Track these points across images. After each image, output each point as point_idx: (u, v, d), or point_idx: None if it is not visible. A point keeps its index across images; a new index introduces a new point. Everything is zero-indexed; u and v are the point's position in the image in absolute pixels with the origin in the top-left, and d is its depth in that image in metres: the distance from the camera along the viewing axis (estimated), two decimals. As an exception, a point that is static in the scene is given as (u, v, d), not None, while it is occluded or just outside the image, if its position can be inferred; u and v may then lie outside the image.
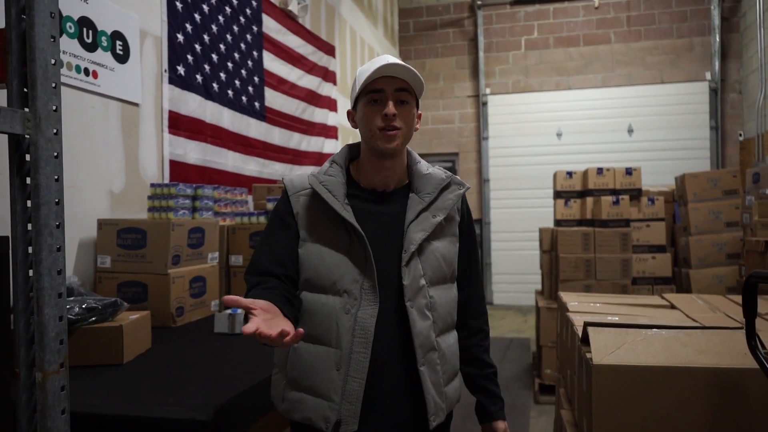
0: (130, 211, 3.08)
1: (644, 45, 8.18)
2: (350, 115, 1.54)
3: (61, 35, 2.62)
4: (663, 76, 8.09)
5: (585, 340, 1.72)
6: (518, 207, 8.59)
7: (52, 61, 1.33)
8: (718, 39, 7.84)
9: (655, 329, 1.64)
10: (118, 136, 3.05)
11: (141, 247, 2.66)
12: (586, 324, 1.69)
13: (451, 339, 1.51)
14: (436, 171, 1.53)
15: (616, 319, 1.99)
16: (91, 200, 2.85)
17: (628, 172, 4.73)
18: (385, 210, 1.47)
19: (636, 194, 4.70)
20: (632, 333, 1.61)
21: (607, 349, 1.56)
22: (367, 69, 1.43)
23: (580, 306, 2.25)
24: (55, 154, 1.33)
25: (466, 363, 1.59)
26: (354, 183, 1.50)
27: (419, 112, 1.51)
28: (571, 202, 4.94)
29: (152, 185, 2.90)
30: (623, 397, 1.50)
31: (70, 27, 2.72)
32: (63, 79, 2.64)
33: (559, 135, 8.42)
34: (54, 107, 1.33)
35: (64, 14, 2.68)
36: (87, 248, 2.78)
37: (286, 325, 1.07)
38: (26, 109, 1.30)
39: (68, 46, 2.69)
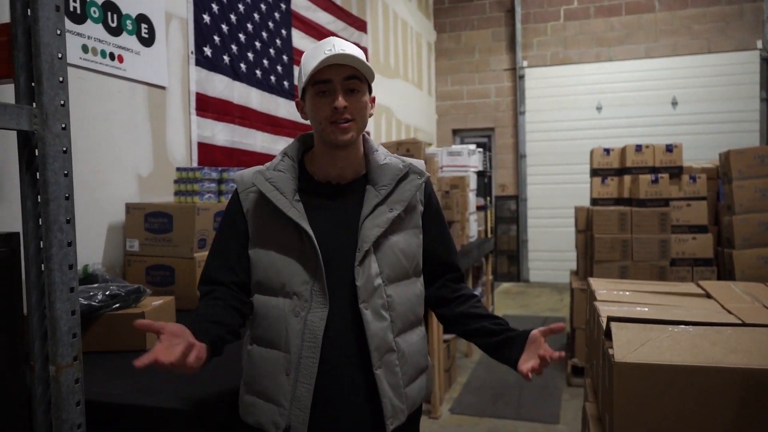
0: (158, 194, 3.11)
1: (691, 12, 7.81)
2: (299, 105, 1.45)
3: (84, 20, 2.64)
4: (710, 45, 7.73)
5: (609, 334, 1.66)
6: (556, 183, 8.42)
7: (59, 56, 1.32)
8: (771, 5, 7.43)
9: (682, 326, 1.56)
10: (146, 120, 3.07)
11: (167, 231, 2.69)
12: (609, 318, 1.62)
13: (414, 337, 1.45)
14: (393, 160, 1.44)
15: (645, 310, 1.91)
16: (119, 184, 2.88)
17: (669, 149, 4.54)
18: (341, 204, 1.41)
19: (676, 172, 4.52)
20: (657, 329, 1.54)
21: (630, 346, 1.49)
22: (311, 57, 1.34)
23: (608, 294, 2.17)
24: (64, 149, 1.33)
25: (469, 321, 1.49)
26: (308, 176, 1.44)
27: (372, 95, 1.43)
28: (608, 180, 4.79)
29: (178, 169, 2.91)
30: (646, 396, 1.44)
31: (95, 12, 2.72)
32: (88, 65, 2.65)
33: (599, 108, 8.17)
34: (61, 102, 1.33)
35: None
36: (116, 232, 2.82)
37: (187, 347, 1.08)
38: (33, 105, 1.30)
39: (93, 31, 2.70)
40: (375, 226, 1.36)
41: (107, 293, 2.00)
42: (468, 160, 5.72)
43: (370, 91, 1.42)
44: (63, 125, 1.33)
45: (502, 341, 1.43)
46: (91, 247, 2.70)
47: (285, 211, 1.34)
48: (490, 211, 7.07)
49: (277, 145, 4.38)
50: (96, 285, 2.06)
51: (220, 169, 3.01)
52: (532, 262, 8.75)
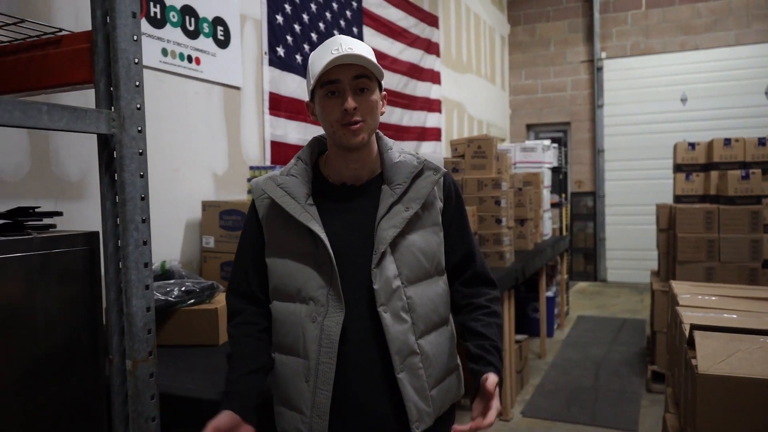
0: (232, 192, 3.20)
1: (788, -5, 7.27)
2: (309, 107, 1.42)
3: (164, 25, 2.74)
4: (810, 29, 7.17)
5: (692, 342, 1.56)
6: (635, 179, 8.06)
7: (135, 61, 1.36)
8: None
9: (776, 336, 1.45)
10: (221, 120, 3.16)
11: (240, 229, 2.75)
12: (693, 326, 1.52)
13: (438, 338, 1.41)
14: (408, 157, 1.40)
15: (733, 317, 1.79)
16: (195, 183, 2.98)
17: (761, 142, 4.24)
18: (357, 206, 1.38)
19: (770, 167, 4.21)
20: (747, 339, 1.43)
21: (715, 357, 1.39)
22: (318, 57, 1.31)
23: (692, 299, 2.04)
24: (140, 151, 1.38)
25: (465, 337, 1.45)
26: (323, 178, 1.41)
27: (383, 92, 1.39)
28: (693, 176, 4.53)
29: (251, 168, 2.99)
30: (732, 411, 1.34)
31: (174, 16, 2.82)
32: (167, 67, 2.75)
33: (683, 100, 7.75)
34: (137, 106, 1.37)
35: (167, 4, 2.78)
36: (193, 229, 2.92)
37: None
38: (111, 109, 1.35)
39: (172, 34, 2.80)
40: (391, 227, 1.33)
41: (182, 289, 2.07)
42: (542, 156, 5.57)
43: (381, 89, 1.39)
44: (139, 128, 1.37)
45: (471, 370, 1.39)
46: (170, 243, 2.81)
47: (296, 216, 1.33)
48: (565, 208, 6.86)
49: (347, 142, 4.41)
50: (172, 281, 2.13)
51: (291, 167, 3.06)
52: (609, 260, 8.42)
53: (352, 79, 1.30)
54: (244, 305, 1.45)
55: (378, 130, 1.43)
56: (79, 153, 2.28)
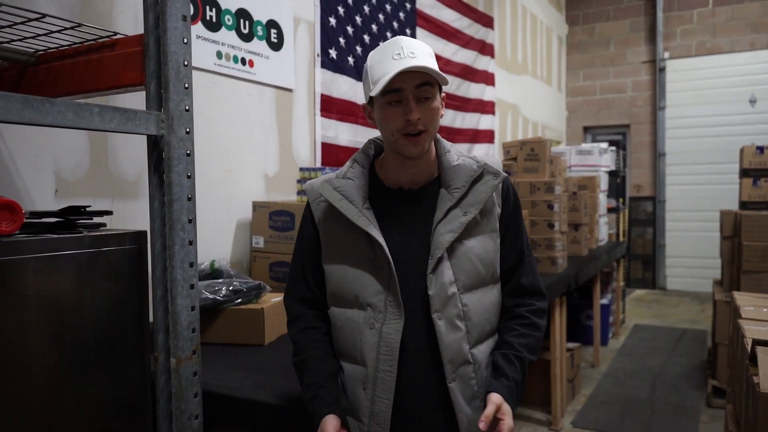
0: (283, 193, 3.23)
1: None
2: (365, 110, 1.38)
3: (219, 28, 2.80)
4: None
5: (754, 359, 1.47)
6: (698, 184, 7.73)
7: (185, 63, 1.38)
8: None
9: None
10: (273, 122, 3.20)
11: (290, 230, 2.78)
12: (755, 342, 1.43)
13: (491, 347, 1.38)
14: (467, 161, 1.36)
15: (801, 333, 1.68)
16: (247, 183, 3.03)
17: (837, 147, 3.99)
18: (414, 211, 1.35)
19: None
20: (816, 359, 1.33)
21: (780, 376, 1.31)
22: (379, 61, 1.26)
23: (756, 312, 1.93)
24: (187, 152, 1.40)
25: (496, 344, 1.40)
26: (379, 182, 1.38)
27: (443, 94, 1.34)
28: (761, 181, 4.30)
29: (301, 169, 3.01)
30: (799, 436, 1.25)
31: (228, 19, 2.87)
32: (221, 70, 2.81)
33: (752, 102, 7.38)
34: (186, 107, 1.39)
35: (223, 8, 2.83)
36: (244, 229, 2.97)
37: None
38: (161, 111, 1.38)
39: (226, 37, 2.85)
40: (448, 231, 1.30)
41: (230, 288, 2.10)
42: (599, 159, 5.41)
43: (440, 91, 1.34)
44: (187, 129, 1.39)
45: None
46: (221, 243, 2.86)
47: (354, 221, 1.31)
48: (623, 213, 6.65)
49: (398, 144, 4.39)
50: (221, 280, 2.17)
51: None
52: (669, 268, 8.11)
53: (414, 88, 1.26)
54: (304, 309, 1.44)
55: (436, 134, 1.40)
56: (136, 153, 2.35)
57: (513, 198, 1.42)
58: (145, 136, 1.38)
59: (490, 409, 1.20)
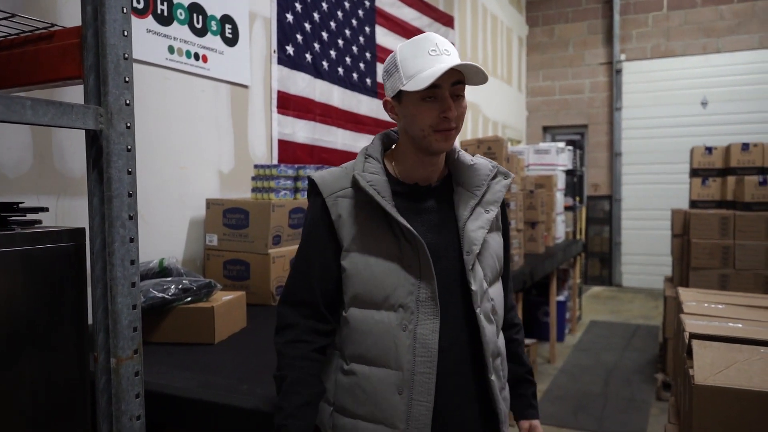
0: (238, 190, 3.19)
1: (814, -3, 7.10)
2: (387, 104, 1.34)
3: (171, 22, 2.74)
4: (836, 32, 7.00)
5: (690, 352, 1.51)
6: (654, 183, 7.93)
7: (125, 56, 1.35)
8: None
9: (777, 348, 1.39)
10: (228, 118, 3.16)
11: (244, 227, 2.75)
12: (692, 335, 1.47)
13: (504, 339, 1.45)
14: (481, 161, 1.40)
15: (738, 326, 1.73)
16: (201, 180, 2.98)
17: (780, 148, 4.14)
18: (431, 207, 1.34)
19: (789, 173, 4.12)
20: (746, 350, 1.38)
21: (712, 368, 1.35)
22: (413, 56, 1.24)
23: (698, 307, 1.99)
24: (128, 147, 1.36)
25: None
26: (393, 178, 1.35)
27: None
28: (710, 181, 4.44)
29: (256, 166, 2.97)
30: (729, 424, 1.29)
31: (181, 14, 2.82)
32: (174, 65, 2.76)
33: (704, 104, 7.62)
34: (126, 101, 1.36)
35: (175, 1, 2.78)
36: (197, 226, 2.92)
37: None
38: (100, 105, 1.34)
39: (179, 32, 2.80)
40: (479, 228, 1.32)
41: (179, 287, 2.06)
42: (556, 158, 5.51)
43: None
44: (127, 124, 1.36)
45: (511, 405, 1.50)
46: (175, 240, 2.81)
47: (394, 216, 1.25)
48: (580, 211, 6.78)
49: (358, 142, 4.39)
50: (170, 278, 2.13)
51: (296, 166, 3.05)
52: (625, 265, 8.30)
53: (451, 85, 1.25)
54: (298, 319, 1.32)
55: None
56: (82, 149, 2.28)
57: (503, 200, 1.46)
58: (85, 132, 1.35)
59: None
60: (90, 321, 1.40)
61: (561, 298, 5.43)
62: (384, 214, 1.27)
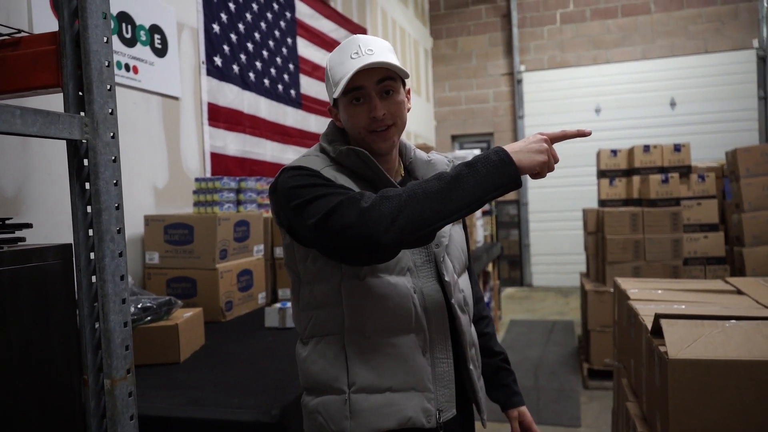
0: (174, 205, 3.08)
1: (687, 13, 7.89)
2: (332, 112, 1.38)
3: (102, 32, 2.62)
4: (707, 45, 7.80)
5: (655, 332, 1.65)
6: (557, 186, 8.43)
7: (106, 63, 1.30)
8: (766, 4, 7.50)
9: (733, 320, 1.55)
10: (160, 131, 3.05)
11: (188, 243, 2.66)
12: (658, 316, 1.61)
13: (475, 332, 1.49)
14: (438, 156, 1.45)
15: (683, 308, 1.90)
16: (136, 196, 2.85)
17: (677, 148, 4.57)
18: None
19: (685, 172, 4.54)
20: (708, 325, 1.53)
21: (682, 343, 1.48)
22: (339, 62, 1.27)
23: (642, 293, 2.16)
24: (113, 158, 1.31)
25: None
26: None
27: (407, 87, 1.37)
28: (617, 181, 4.81)
29: (197, 180, 2.89)
30: (702, 393, 1.42)
31: (110, 23, 2.70)
32: (106, 76, 2.63)
33: (597, 111, 8.22)
34: (110, 110, 1.30)
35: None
36: (134, 245, 2.79)
37: None
38: (82, 114, 1.28)
39: (109, 42, 2.67)
40: None
41: (139, 306, 1.97)
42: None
43: (404, 85, 1.35)
44: (112, 134, 1.31)
45: (494, 396, 1.61)
46: (112, 260, 2.67)
47: (385, 174, 1.30)
48: (492, 216, 7.07)
49: (285, 154, 4.36)
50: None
51: (238, 178, 3.00)
52: (534, 266, 8.75)
53: (376, 84, 1.26)
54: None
55: None
56: (15, 165, 2.13)
57: None
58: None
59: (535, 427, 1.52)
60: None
61: (485, 299, 5.63)
62: (370, 180, 1.29)
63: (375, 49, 1.27)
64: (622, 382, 2.20)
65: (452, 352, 1.33)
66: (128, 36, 2.82)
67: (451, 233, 1.39)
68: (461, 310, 1.35)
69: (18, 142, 2.11)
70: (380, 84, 1.26)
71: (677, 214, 4.15)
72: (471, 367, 1.36)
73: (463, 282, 1.41)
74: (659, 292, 2.20)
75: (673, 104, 7.91)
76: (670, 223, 4.11)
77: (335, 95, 1.26)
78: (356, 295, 1.24)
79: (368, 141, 1.29)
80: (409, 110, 1.37)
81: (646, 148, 4.61)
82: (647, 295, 2.13)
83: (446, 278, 1.31)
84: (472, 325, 1.45)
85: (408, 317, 1.25)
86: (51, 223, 2.24)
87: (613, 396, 2.56)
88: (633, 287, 2.29)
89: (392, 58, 1.28)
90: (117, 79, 2.69)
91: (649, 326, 1.69)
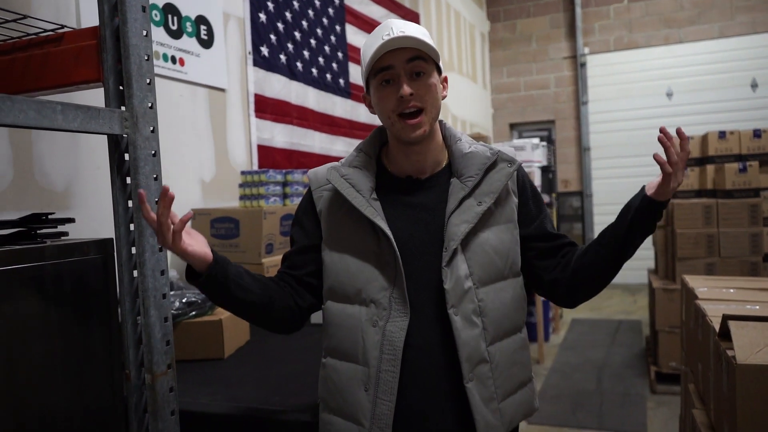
0: (221, 199, 3.09)
1: (770, -14, 7.31)
2: (365, 100, 1.34)
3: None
4: (793, 20, 7.21)
5: (724, 334, 1.52)
6: (624, 177, 7.99)
7: (146, 57, 1.29)
8: None
9: (813, 325, 1.41)
10: (207, 124, 3.05)
11: (234, 237, 2.65)
12: (726, 317, 1.48)
13: (511, 346, 1.30)
14: (480, 148, 1.32)
15: (757, 308, 1.76)
16: (183, 190, 2.85)
17: (757, 134, 4.24)
18: (423, 200, 1.29)
19: (766, 160, 4.22)
20: (784, 329, 1.39)
21: (753, 347, 1.35)
22: (370, 44, 1.23)
23: (711, 292, 2.01)
24: (153, 152, 1.30)
25: (587, 263, 1.39)
26: (385, 172, 1.33)
27: (444, 75, 1.31)
28: (688, 170, 4.53)
29: (243, 173, 2.88)
30: (776, 403, 1.30)
31: (156, 15, 2.71)
32: (158, 69, 2.65)
33: (669, 95, 7.78)
34: (150, 104, 1.30)
35: (149, 2, 2.67)
36: (185, 238, 2.81)
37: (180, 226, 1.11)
38: (122, 108, 1.27)
39: (154, 34, 2.68)
40: (463, 222, 1.23)
41: (183, 300, 1.98)
42: (532, 154, 5.54)
43: (440, 72, 1.30)
44: (152, 128, 1.30)
45: (631, 220, 1.39)
46: (164, 252, 2.70)
47: (362, 210, 1.23)
48: (554, 208, 6.85)
49: (334, 145, 4.33)
50: (172, 292, 2.04)
51: (284, 171, 2.97)
52: (598, 259, 8.42)
53: (405, 63, 1.21)
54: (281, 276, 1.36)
55: (441, 119, 1.35)
56: (65, 160, 2.16)
57: (530, 185, 1.38)
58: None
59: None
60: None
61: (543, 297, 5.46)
62: (359, 209, 1.25)
63: (407, 31, 1.21)
64: (689, 388, 2.06)
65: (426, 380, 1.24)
66: (174, 28, 2.83)
67: (482, 235, 1.26)
68: (466, 321, 1.22)
69: (68, 137, 2.14)
70: (410, 63, 1.22)
71: (756, 206, 3.85)
72: (469, 385, 1.22)
73: (491, 292, 1.27)
74: (731, 291, 2.05)
75: (755, 86, 7.36)
76: (748, 215, 3.82)
77: (365, 76, 1.25)
78: (325, 317, 1.33)
79: (398, 128, 1.25)
80: (444, 98, 1.31)
81: (722, 134, 4.32)
82: (717, 295, 1.98)
83: (446, 285, 1.21)
84: (501, 339, 1.29)
85: (354, 349, 1.25)
86: (99, 217, 2.27)
87: (681, 402, 2.42)
88: (702, 285, 2.14)
89: (424, 38, 1.23)
90: (163, 72, 2.71)
91: (717, 328, 1.56)
